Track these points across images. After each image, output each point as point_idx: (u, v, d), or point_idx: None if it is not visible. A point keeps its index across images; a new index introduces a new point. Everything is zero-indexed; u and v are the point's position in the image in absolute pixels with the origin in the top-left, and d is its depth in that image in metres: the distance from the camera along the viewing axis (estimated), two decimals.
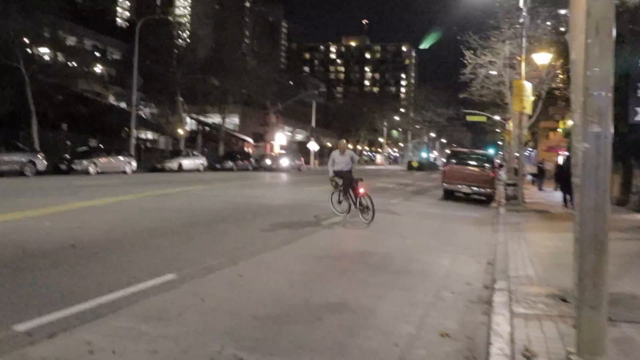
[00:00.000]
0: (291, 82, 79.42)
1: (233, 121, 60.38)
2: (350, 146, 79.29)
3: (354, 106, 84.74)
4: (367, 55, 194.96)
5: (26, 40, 30.14)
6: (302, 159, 48.07)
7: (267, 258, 6.91)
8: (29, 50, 31.25)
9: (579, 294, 3.37)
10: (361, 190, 11.09)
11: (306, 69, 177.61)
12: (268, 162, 43.17)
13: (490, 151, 56.14)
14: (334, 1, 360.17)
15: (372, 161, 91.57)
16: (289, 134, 70.10)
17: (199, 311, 4.58)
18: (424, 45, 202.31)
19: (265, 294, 5.24)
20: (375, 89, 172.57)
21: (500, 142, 65.95)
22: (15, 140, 24.53)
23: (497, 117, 37.53)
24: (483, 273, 6.81)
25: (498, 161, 33.24)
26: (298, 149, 58.48)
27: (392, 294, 5.51)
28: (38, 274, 5.41)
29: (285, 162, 43.16)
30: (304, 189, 20.36)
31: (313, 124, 57.30)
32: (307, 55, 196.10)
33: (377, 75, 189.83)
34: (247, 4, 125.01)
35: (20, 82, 27.92)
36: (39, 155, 23.50)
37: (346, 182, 11.45)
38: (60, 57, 39.14)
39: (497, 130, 52.11)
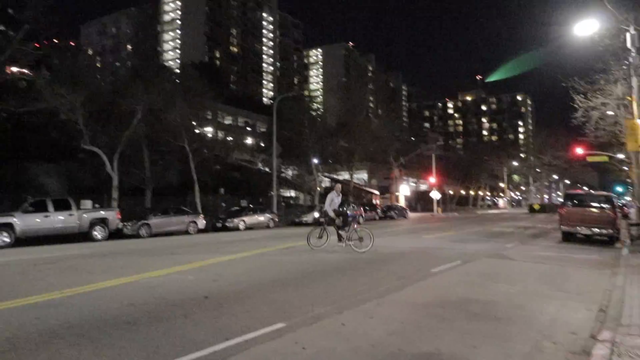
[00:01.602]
0: (412, 138, 78.91)
1: (361, 176, 61.08)
2: (472, 192, 75.64)
3: (473, 155, 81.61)
4: (483, 107, 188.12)
5: (192, 122, 33.66)
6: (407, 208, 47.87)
7: (372, 306, 6.63)
8: (195, 130, 34.89)
9: None
10: (359, 222, 13.65)
11: (426, 124, 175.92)
12: (392, 212, 42.78)
13: (618, 189, 49.73)
14: (448, 63, 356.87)
15: (494, 205, 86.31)
16: (413, 184, 69.00)
17: (297, 359, 4.48)
18: (493, 77, 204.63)
19: (362, 343, 4.98)
20: (494, 138, 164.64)
21: (628, 180, 58.71)
22: (182, 205, 27.07)
23: (620, 156, 33.50)
24: (592, 321, 5.86)
25: (623, 201, 29.26)
26: (417, 198, 57.22)
27: (489, 344, 4.93)
28: (172, 322, 5.70)
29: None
30: (423, 236, 19.61)
31: (434, 174, 55.92)
32: (427, 113, 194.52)
33: (494, 125, 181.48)
34: (370, 75, 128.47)
35: (186, 157, 31.02)
36: (200, 216, 25.61)
37: (345, 218, 13.05)
38: (219, 134, 42.89)
39: (624, 168, 46.60)
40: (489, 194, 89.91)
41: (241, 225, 26.72)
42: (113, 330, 5.38)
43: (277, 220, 29.86)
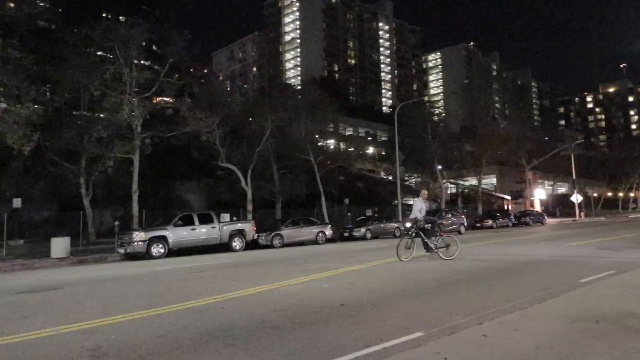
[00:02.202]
0: (546, 138, 73.17)
1: (490, 181, 58.10)
2: (621, 194, 67.88)
3: (621, 152, 73.09)
4: (630, 99, 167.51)
5: (316, 136, 35.03)
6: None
7: (514, 318, 6.29)
8: (319, 143, 36.23)
9: None
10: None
11: (562, 122, 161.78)
12: (527, 219, 39.92)
13: None
14: (583, 53, 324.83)
15: None
16: (550, 188, 63.83)
17: None
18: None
19: (507, 356, 4.76)
20: None
21: None
22: (309, 216, 28.19)
23: None
24: None
25: None
26: (559, 202, 52.61)
27: None
28: (313, 328, 5.99)
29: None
30: (565, 244, 18.04)
31: (574, 176, 51.14)
32: (562, 109, 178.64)
33: None
34: (495, 74, 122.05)
35: (311, 170, 32.30)
36: (327, 227, 26.41)
37: (434, 226, 12.62)
38: (342, 145, 43.90)
39: None
40: None
41: (368, 235, 27.00)
42: (261, 334, 5.81)
43: (403, 228, 29.65)
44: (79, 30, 25.25)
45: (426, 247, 12.66)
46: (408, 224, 12.64)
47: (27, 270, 16.28)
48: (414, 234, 12.61)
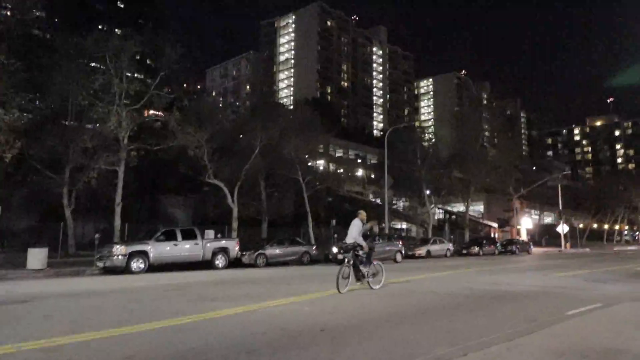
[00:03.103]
0: (534, 168, 73.97)
1: (477, 208, 58.36)
2: (606, 226, 68.15)
3: (607, 185, 74.06)
4: (617, 133, 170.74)
5: (305, 156, 34.92)
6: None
7: (500, 350, 6.07)
8: (308, 163, 36.14)
9: None
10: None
11: (549, 153, 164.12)
12: (513, 247, 39.96)
13: None
14: (572, 88, 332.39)
15: (634, 241, 76.84)
16: (536, 217, 64.23)
17: None
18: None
19: None
20: (631, 166, 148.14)
21: None
22: (295, 236, 27.87)
23: None
24: None
25: None
26: (544, 232, 52.89)
27: None
28: (290, 354, 5.73)
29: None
30: (551, 274, 17.94)
31: (560, 206, 51.50)
32: (550, 140, 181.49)
33: (630, 152, 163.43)
34: (485, 102, 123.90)
35: (299, 190, 32.11)
36: (313, 247, 26.09)
37: (371, 253, 11.45)
38: (331, 166, 43.84)
39: None
40: (627, 228, 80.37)
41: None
42: (236, 357, 5.52)
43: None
44: (71, 39, 25.05)
45: (357, 275, 11.16)
46: (335, 250, 12.99)
47: (1, 280, 15.72)
48: (351, 261, 11.08)
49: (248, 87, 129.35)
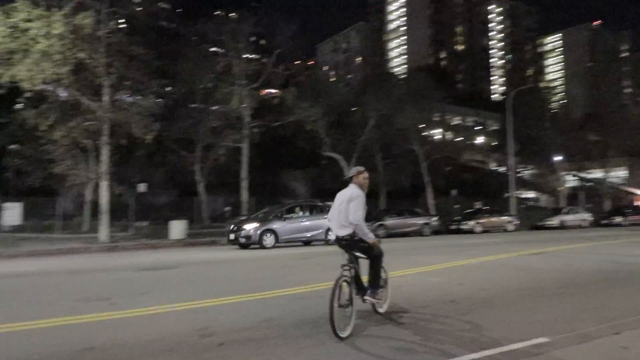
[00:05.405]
0: None
1: (620, 174, 52.45)
2: None
3: None
4: None
5: (420, 126, 34.06)
6: None
7: None
8: (424, 133, 35.24)
9: None
10: None
11: None
12: None
13: None
14: None
15: None
16: None
17: None
18: None
19: None
20: None
21: None
22: (413, 207, 27.45)
23: None
24: None
25: None
26: None
27: None
28: (422, 325, 5.62)
29: None
30: None
31: None
32: None
33: None
34: (624, 54, 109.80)
35: (416, 160, 31.48)
36: (433, 218, 25.52)
37: (381, 256, 5.82)
38: (448, 135, 42.33)
39: None
40: None
41: (477, 228, 25.66)
42: (365, 325, 5.54)
43: (517, 223, 27.77)
44: (193, 27, 26.85)
45: (358, 287, 5.59)
46: (339, 232, 5.67)
47: (149, 250, 17.73)
48: (352, 270, 5.50)
49: (359, 59, 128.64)
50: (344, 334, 5.02)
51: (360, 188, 5.75)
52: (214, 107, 27.78)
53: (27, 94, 18.36)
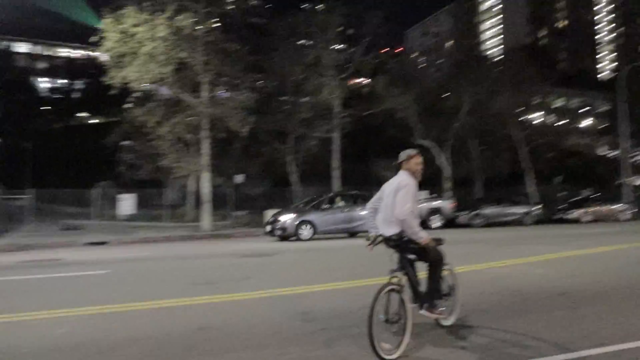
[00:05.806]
0: None
1: None
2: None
3: None
4: None
5: (519, 110, 32.22)
6: None
7: None
8: (523, 117, 33.30)
9: None
10: None
11: None
12: None
13: None
14: None
15: None
16: None
17: None
18: None
19: None
20: None
21: None
22: (512, 195, 26.13)
23: None
24: None
25: None
26: None
27: None
28: (528, 317, 5.33)
29: None
30: None
31: None
32: None
33: None
34: None
35: (514, 146, 29.84)
36: (535, 207, 24.11)
37: (441, 261, 4.82)
38: (550, 119, 39.61)
39: None
40: None
41: (584, 218, 23.82)
42: (468, 316, 5.37)
43: (633, 212, 25.39)
44: (283, 21, 27.41)
45: (416, 294, 4.63)
46: (386, 231, 4.68)
47: (247, 238, 18.64)
48: (402, 279, 4.52)
49: (451, 42, 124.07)
50: (390, 356, 4.04)
51: (412, 175, 4.77)
52: (304, 99, 28.26)
53: (136, 94, 20.00)
